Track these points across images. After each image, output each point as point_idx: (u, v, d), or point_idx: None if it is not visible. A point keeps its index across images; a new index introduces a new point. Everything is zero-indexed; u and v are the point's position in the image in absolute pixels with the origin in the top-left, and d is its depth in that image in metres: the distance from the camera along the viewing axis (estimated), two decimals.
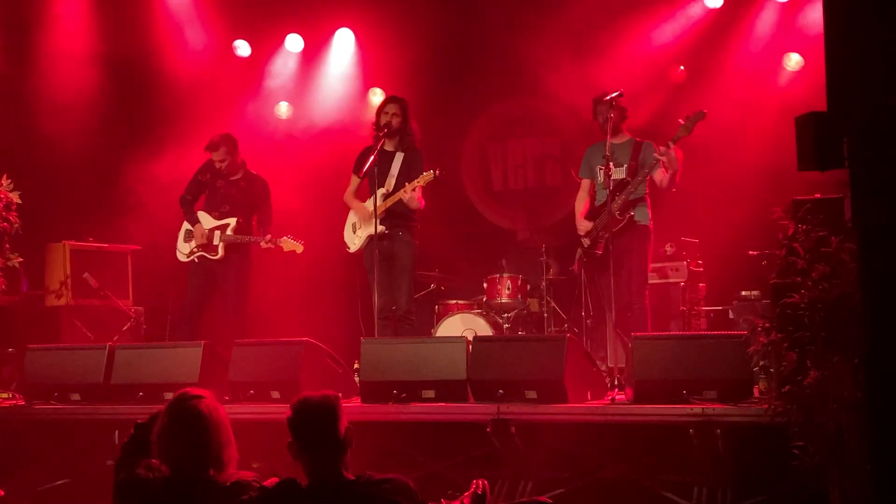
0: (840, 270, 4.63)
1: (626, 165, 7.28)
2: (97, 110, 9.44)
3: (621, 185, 7.18)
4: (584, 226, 7.38)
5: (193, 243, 8.01)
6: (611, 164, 7.16)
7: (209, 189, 8.11)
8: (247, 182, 8.12)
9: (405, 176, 7.44)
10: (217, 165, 8.05)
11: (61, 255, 8.64)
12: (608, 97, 6.95)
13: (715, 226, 8.64)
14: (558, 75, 9.54)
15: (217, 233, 7.96)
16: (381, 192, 7.40)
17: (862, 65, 3.31)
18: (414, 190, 7.29)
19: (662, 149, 6.94)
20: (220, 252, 7.93)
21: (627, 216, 7.16)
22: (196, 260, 8.00)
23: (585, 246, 7.37)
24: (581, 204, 7.56)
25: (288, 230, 8.02)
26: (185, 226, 8.13)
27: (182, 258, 8.10)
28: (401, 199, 7.34)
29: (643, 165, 7.19)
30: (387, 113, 7.50)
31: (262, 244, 7.87)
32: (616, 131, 7.32)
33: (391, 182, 7.46)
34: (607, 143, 6.94)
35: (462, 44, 10.17)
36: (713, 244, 8.73)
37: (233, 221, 7.96)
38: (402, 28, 9.88)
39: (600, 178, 7.32)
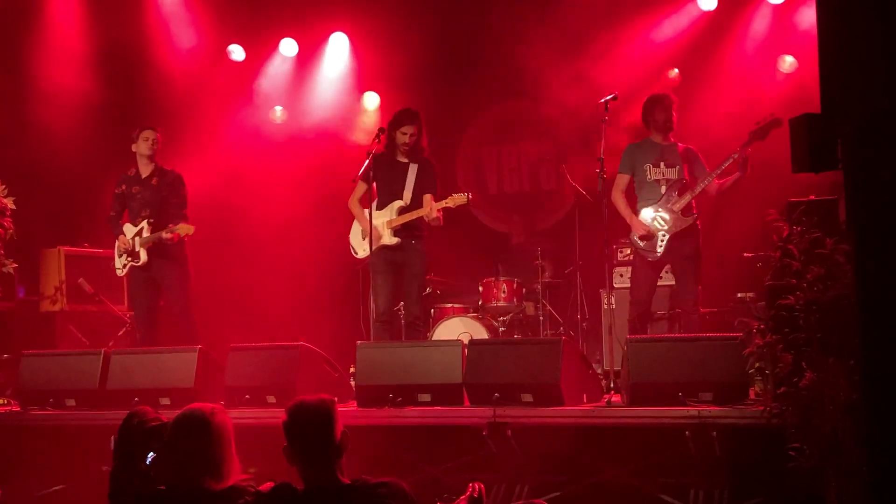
0: (835, 272, 4.63)
1: (678, 167, 7.27)
2: (91, 115, 9.42)
3: (681, 185, 7.21)
4: (640, 226, 7.21)
5: (121, 258, 7.85)
6: (661, 163, 7.24)
7: (128, 199, 7.89)
8: (159, 179, 7.85)
9: (420, 188, 7.47)
10: (149, 150, 7.78)
11: (56, 261, 8.64)
12: (602, 100, 6.94)
13: (710, 228, 8.64)
14: (553, 78, 9.54)
15: (136, 239, 7.77)
16: (398, 204, 7.44)
17: (856, 66, 3.32)
18: (439, 210, 7.32)
19: (738, 153, 6.95)
20: (143, 257, 7.70)
21: (693, 218, 7.19)
22: (128, 271, 7.83)
23: (641, 246, 7.24)
24: (620, 199, 7.37)
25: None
26: (118, 242, 7.91)
27: (119, 273, 7.93)
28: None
29: (694, 168, 7.24)
30: (405, 133, 7.42)
31: (164, 236, 7.58)
32: (667, 131, 7.33)
33: (407, 195, 7.49)
34: (601, 146, 6.90)
35: (456, 47, 10.17)
36: (708, 246, 8.72)
37: (145, 223, 7.77)
38: (396, 32, 9.88)
39: (650, 175, 7.29)
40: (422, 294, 7.70)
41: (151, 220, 7.72)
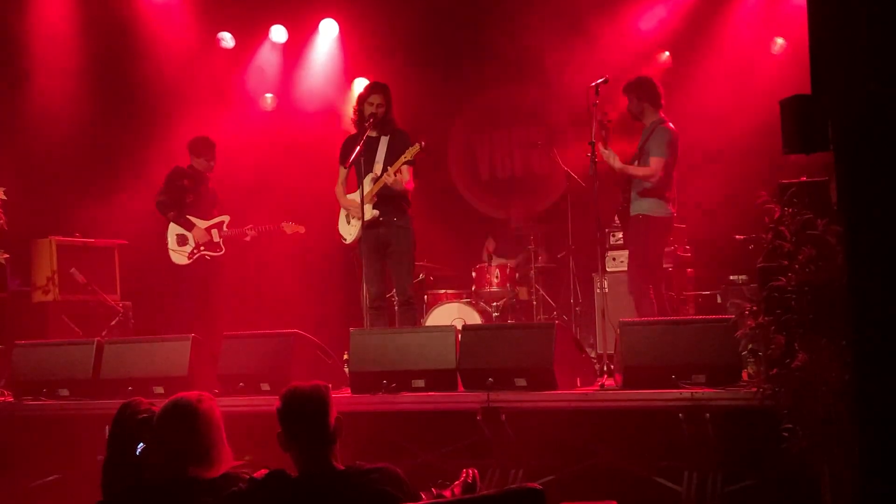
0: (826, 253, 4.63)
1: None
2: (82, 105, 9.39)
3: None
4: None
5: (190, 246, 8.26)
6: (639, 149, 7.27)
7: (192, 194, 8.37)
8: (212, 185, 8.58)
9: (392, 158, 7.32)
10: (203, 167, 8.44)
11: (48, 251, 8.61)
12: (593, 84, 6.91)
13: (702, 211, 8.65)
14: (544, 62, 9.54)
15: (215, 231, 8.36)
16: (369, 177, 7.30)
17: (846, 48, 3.31)
18: (398, 172, 7.12)
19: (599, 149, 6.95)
20: (223, 248, 8.37)
21: (635, 205, 7.23)
22: (207, 258, 8.32)
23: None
24: None
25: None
26: (176, 229, 8.30)
27: (182, 261, 8.29)
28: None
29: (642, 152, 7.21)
30: (371, 104, 7.32)
31: (249, 234, 8.40)
32: (643, 115, 7.32)
33: (378, 167, 7.32)
34: (591, 129, 6.89)
35: (447, 33, 10.16)
36: (700, 229, 8.74)
37: (227, 218, 8.43)
38: (386, 18, 9.87)
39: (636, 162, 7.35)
40: (412, 272, 7.46)
41: (230, 217, 8.47)
